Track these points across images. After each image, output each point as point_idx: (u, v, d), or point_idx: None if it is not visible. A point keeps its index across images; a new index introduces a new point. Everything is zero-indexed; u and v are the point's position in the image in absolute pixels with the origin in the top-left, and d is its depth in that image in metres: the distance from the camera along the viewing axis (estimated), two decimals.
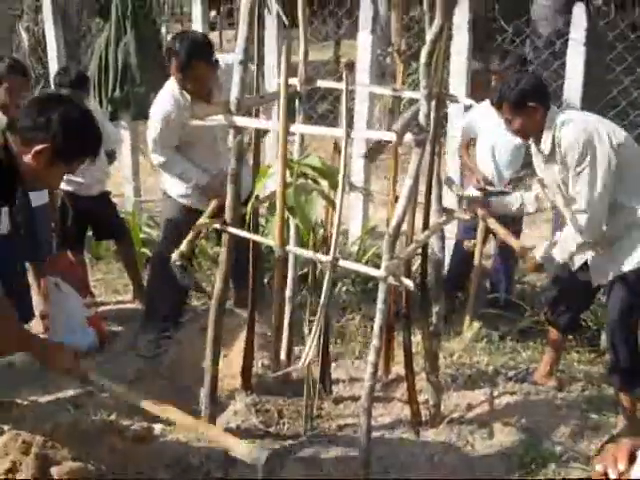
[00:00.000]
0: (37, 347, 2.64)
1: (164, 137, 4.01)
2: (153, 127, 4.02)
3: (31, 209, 4.09)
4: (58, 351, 2.63)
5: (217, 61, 3.88)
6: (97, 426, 3.17)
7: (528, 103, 3.27)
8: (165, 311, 4.26)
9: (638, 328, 3.43)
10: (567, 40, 4.59)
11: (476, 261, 4.42)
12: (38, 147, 2.36)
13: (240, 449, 2.50)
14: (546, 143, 3.31)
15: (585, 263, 3.53)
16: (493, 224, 3.66)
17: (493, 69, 4.47)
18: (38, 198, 4.14)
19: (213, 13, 17.25)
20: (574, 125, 3.24)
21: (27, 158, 2.39)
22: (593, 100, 4.90)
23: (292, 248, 3.01)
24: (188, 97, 3.92)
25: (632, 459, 1.12)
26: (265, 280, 4.75)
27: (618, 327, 3.38)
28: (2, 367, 3.92)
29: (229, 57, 3.96)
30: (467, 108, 4.59)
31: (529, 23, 7.53)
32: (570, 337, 4.24)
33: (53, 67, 6.24)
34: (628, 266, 3.30)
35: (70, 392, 3.65)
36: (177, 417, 2.65)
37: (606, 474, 1.12)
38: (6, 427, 3.01)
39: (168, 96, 3.98)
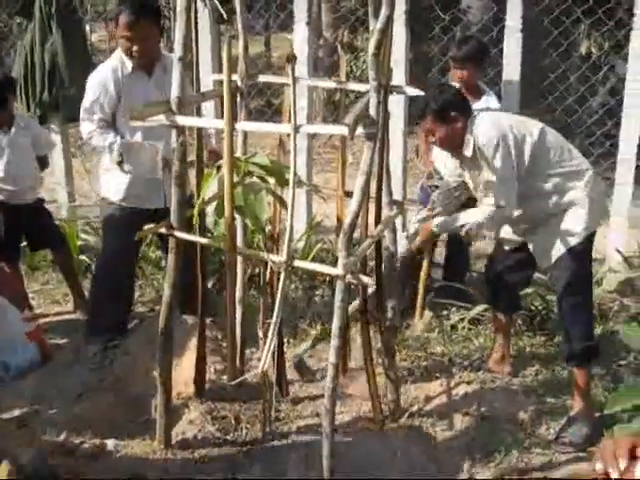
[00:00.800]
0: None
1: (96, 105, 3.87)
2: (87, 94, 3.89)
3: None
4: None
5: (162, 29, 3.86)
6: (49, 446, 3.04)
7: (451, 113, 3.37)
8: (111, 319, 4.11)
9: (589, 300, 3.51)
10: (503, 27, 4.62)
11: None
12: None
13: None
14: (468, 147, 3.42)
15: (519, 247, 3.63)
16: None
17: (452, 55, 4.44)
18: None
19: None
20: (485, 123, 3.39)
21: None
22: (531, 86, 4.94)
23: (244, 250, 2.92)
24: (129, 65, 3.83)
25: (632, 456, 1.08)
26: (210, 283, 4.64)
27: (567, 301, 3.42)
28: None
29: None
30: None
31: (465, 12, 7.59)
32: (520, 322, 4.28)
33: None
34: (566, 246, 3.38)
35: (15, 413, 3.47)
36: None
37: (607, 473, 1.08)
38: None
39: (107, 63, 3.91)
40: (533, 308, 4.41)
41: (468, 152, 3.44)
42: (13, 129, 4.32)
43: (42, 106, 5.64)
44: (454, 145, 3.47)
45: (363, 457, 3.15)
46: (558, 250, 3.40)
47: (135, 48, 3.75)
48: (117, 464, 3.06)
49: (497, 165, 3.32)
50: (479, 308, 4.44)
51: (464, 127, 3.39)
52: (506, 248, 3.71)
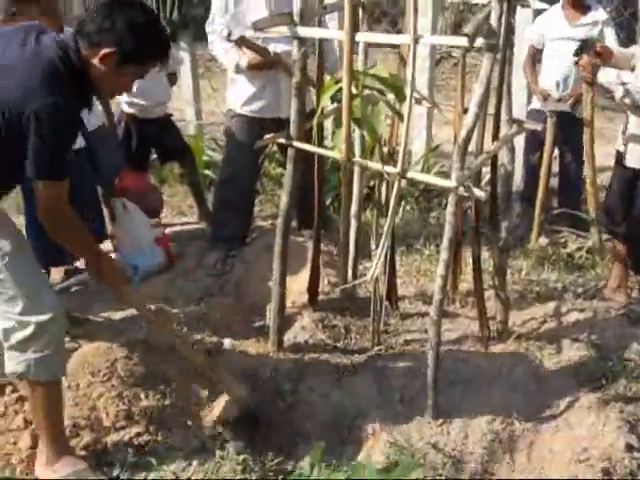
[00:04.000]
0: (94, 259, 2.68)
1: (219, 15, 3.99)
2: (212, 5, 4.03)
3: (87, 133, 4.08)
4: (111, 266, 2.70)
5: None
6: (169, 340, 3.26)
7: None
8: (231, 230, 4.30)
9: None
10: None
11: (543, 175, 4.30)
12: (105, 50, 2.34)
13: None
14: None
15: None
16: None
17: None
18: (91, 122, 4.08)
19: None
20: None
21: (94, 62, 2.37)
22: None
23: (359, 160, 2.96)
24: None
25: None
26: (328, 201, 4.74)
27: None
28: (76, 285, 4.04)
29: None
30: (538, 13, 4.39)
31: None
32: None
33: None
34: None
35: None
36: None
37: None
38: (82, 342, 3.12)
39: None
40: None
41: None
42: None
43: (172, 25, 5.83)
44: None
45: (467, 372, 3.20)
46: None
47: None
48: (231, 360, 3.24)
49: None
50: (596, 237, 4.33)
51: None
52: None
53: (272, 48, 3.91)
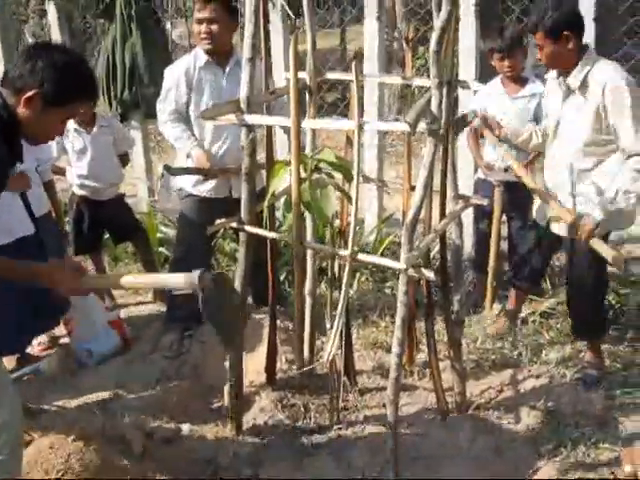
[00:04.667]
0: (40, 274, 2.47)
1: (169, 96, 4.05)
2: (163, 86, 4.09)
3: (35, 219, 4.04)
4: (59, 272, 2.45)
5: (237, 24, 3.99)
6: (124, 429, 3.20)
7: (563, 32, 3.29)
8: (186, 310, 4.27)
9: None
10: None
11: (493, 243, 4.38)
12: (28, 94, 2.31)
13: (175, 280, 2.56)
14: (577, 77, 3.34)
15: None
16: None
17: (492, 47, 4.32)
18: (39, 209, 4.06)
19: None
20: (615, 67, 3.33)
21: (20, 108, 2.33)
22: None
23: (310, 244, 3.01)
24: (203, 58, 3.97)
25: None
26: (283, 276, 4.76)
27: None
28: (29, 374, 3.96)
29: None
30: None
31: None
32: None
33: None
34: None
35: (97, 396, 3.67)
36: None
37: (636, 475, 1.11)
38: (35, 435, 3.05)
39: (184, 57, 4.12)
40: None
41: (574, 83, 3.36)
42: (95, 128, 4.53)
43: (123, 104, 5.88)
44: (559, 66, 3.42)
45: (428, 447, 3.20)
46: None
47: (204, 29, 3.86)
48: (190, 448, 3.20)
49: (627, 105, 3.22)
50: (551, 301, 4.41)
51: (575, 50, 3.32)
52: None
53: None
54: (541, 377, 3.73)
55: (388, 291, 4.74)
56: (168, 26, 13.14)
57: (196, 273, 2.40)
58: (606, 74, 3.28)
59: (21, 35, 12.28)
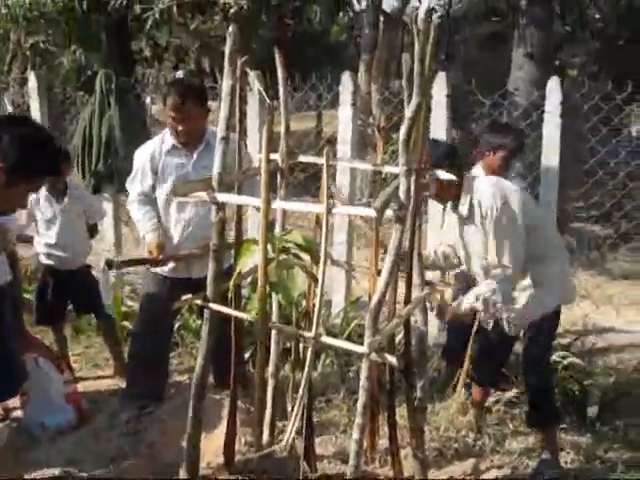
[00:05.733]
0: None
1: (136, 177, 4.09)
2: (134, 164, 4.12)
3: None
4: None
5: (209, 110, 4.01)
6: None
7: (444, 168, 3.37)
8: (145, 388, 4.19)
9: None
10: (543, 111, 4.70)
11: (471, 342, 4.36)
12: None
13: None
14: (464, 205, 3.55)
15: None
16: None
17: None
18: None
19: None
20: (489, 183, 3.57)
21: None
22: (569, 168, 4.98)
23: (275, 324, 2.99)
24: (169, 142, 4.00)
25: None
26: (247, 355, 4.70)
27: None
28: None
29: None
30: None
31: (506, 95, 7.71)
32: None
33: None
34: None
35: (47, 473, 3.54)
36: None
37: None
38: None
39: (154, 138, 4.14)
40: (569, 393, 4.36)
41: (463, 210, 3.55)
42: (66, 198, 4.53)
43: (97, 176, 5.90)
44: (447, 198, 3.62)
45: None
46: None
47: (180, 128, 3.91)
48: None
49: (503, 223, 3.42)
50: (515, 390, 4.40)
51: (459, 181, 3.48)
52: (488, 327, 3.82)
53: None
54: (504, 467, 3.70)
55: (352, 374, 4.70)
56: (148, 101, 13.35)
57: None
58: (481, 196, 3.49)
59: (0, 102, 12.38)
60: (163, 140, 4.04)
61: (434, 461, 3.68)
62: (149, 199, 4.08)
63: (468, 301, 3.58)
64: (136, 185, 4.09)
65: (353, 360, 4.83)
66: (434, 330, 4.67)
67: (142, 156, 4.06)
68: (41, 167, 2.47)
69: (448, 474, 3.64)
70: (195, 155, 4.00)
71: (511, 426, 4.19)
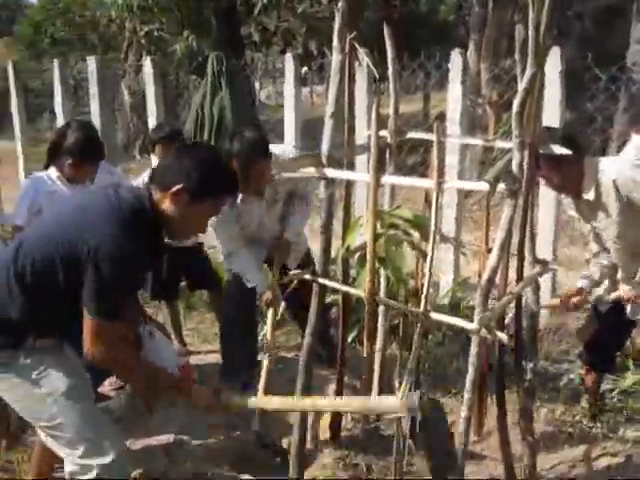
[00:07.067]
0: (185, 389, 2.73)
1: (229, 232, 4.14)
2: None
3: None
4: (199, 390, 2.70)
5: (270, 154, 3.89)
6: (187, 475, 3.20)
7: (564, 158, 3.27)
8: (242, 361, 4.31)
9: None
10: None
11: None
12: (173, 189, 2.42)
13: (387, 405, 2.47)
14: (590, 191, 3.36)
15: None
16: None
17: None
18: None
19: (304, 69, 17.70)
20: (621, 166, 3.43)
21: (166, 203, 2.45)
22: None
23: (383, 299, 2.98)
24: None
25: None
26: (353, 334, 4.72)
27: None
28: None
29: (277, 148, 4.03)
30: None
31: (624, 70, 7.38)
32: None
33: (152, 123, 6.50)
34: None
35: (162, 440, 3.68)
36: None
37: None
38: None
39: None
40: None
41: (590, 195, 3.37)
42: None
43: None
44: (573, 189, 3.44)
45: None
46: None
47: (250, 184, 3.79)
48: None
49: None
50: (631, 377, 4.24)
51: (580, 169, 3.34)
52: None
53: None
54: (617, 455, 3.57)
55: (460, 355, 4.64)
56: (257, 86, 13.57)
57: (416, 395, 2.37)
58: (611, 172, 3.32)
59: (117, 89, 12.89)
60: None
61: (544, 445, 3.59)
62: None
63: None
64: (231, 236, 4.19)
65: (461, 340, 4.79)
66: (544, 312, 4.54)
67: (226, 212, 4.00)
68: (221, 187, 2.55)
69: (558, 459, 3.55)
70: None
71: (625, 414, 4.04)
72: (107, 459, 2.44)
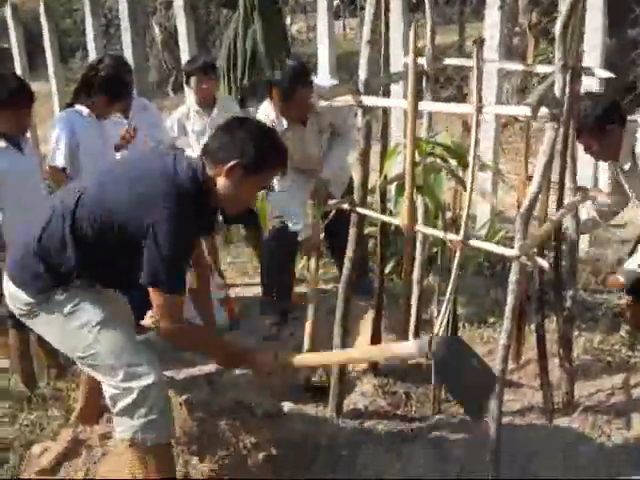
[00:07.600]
0: (244, 359, 2.81)
1: None
2: None
3: None
4: (263, 358, 2.76)
5: (312, 82, 3.90)
6: (229, 403, 3.27)
7: (606, 126, 3.30)
8: (282, 294, 4.37)
9: None
10: None
11: None
12: (229, 164, 2.46)
13: (405, 351, 2.54)
14: (626, 158, 3.38)
15: None
16: None
17: None
18: None
19: (336, 2, 17.35)
20: None
21: (220, 179, 2.50)
22: None
23: (421, 227, 2.97)
24: (284, 122, 4.01)
25: None
26: (391, 265, 4.74)
27: None
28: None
29: (315, 79, 4.00)
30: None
31: None
32: None
33: (184, 59, 6.45)
34: None
35: (204, 370, 3.76)
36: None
37: None
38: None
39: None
40: None
41: (627, 164, 3.40)
42: (215, 110, 4.66)
43: (242, 90, 6.02)
44: (611, 157, 3.46)
45: (530, 446, 3.10)
46: None
47: (292, 113, 3.94)
48: (291, 426, 3.23)
49: None
50: None
51: (620, 138, 3.33)
52: None
53: None
54: None
55: (498, 287, 4.64)
56: (288, 21, 13.36)
57: (425, 339, 2.44)
58: None
59: (149, 24, 12.77)
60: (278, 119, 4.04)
61: (582, 373, 3.60)
62: None
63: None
64: None
65: (498, 272, 4.78)
66: (584, 240, 4.50)
67: None
68: (274, 159, 2.58)
69: (596, 387, 3.55)
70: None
71: None
72: (146, 381, 2.51)
